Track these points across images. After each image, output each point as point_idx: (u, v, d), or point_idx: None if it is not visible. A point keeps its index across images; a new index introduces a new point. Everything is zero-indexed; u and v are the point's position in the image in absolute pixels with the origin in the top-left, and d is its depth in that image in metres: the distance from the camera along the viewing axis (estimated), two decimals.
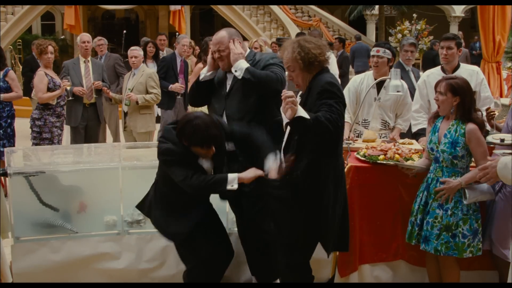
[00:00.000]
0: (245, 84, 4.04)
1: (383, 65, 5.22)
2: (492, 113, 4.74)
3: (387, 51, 5.22)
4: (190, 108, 6.47)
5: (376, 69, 5.24)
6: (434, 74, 5.15)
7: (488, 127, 4.56)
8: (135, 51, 7.20)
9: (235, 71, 4.04)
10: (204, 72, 4.27)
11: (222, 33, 4.17)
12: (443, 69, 5.10)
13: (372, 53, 5.27)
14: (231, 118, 4.13)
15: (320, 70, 3.55)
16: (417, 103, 5.23)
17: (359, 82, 5.35)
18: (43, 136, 6.72)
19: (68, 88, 6.93)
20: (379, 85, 5.24)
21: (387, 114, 5.33)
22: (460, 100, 3.94)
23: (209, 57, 4.25)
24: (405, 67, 6.35)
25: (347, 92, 5.30)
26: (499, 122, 4.80)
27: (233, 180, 3.68)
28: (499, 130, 4.52)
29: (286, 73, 3.72)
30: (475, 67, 5.26)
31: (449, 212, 3.94)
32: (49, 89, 6.68)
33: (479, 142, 3.90)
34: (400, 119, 5.38)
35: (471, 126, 3.91)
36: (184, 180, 3.68)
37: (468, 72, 5.01)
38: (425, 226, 4.01)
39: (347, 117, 5.20)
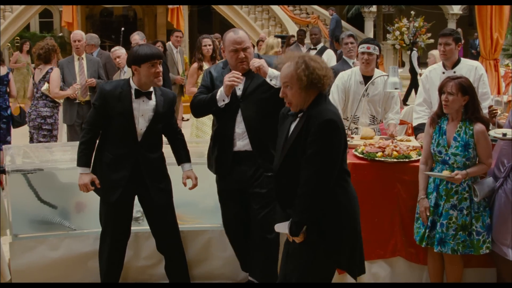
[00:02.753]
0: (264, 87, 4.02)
1: (373, 61, 5.32)
2: (494, 111, 4.77)
3: (376, 47, 5.30)
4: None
5: (366, 66, 5.30)
6: (436, 69, 5.18)
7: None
8: (117, 51, 7.30)
9: (270, 80, 3.95)
10: (223, 98, 4.03)
11: (242, 32, 4.11)
12: (444, 65, 5.12)
13: (362, 49, 5.28)
14: (250, 120, 4.07)
15: (318, 95, 3.23)
16: (420, 97, 5.26)
17: (347, 79, 5.41)
18: (53, 133, 6.76)
19: (78, 90, 7.03)
20: (367, 81, 5.32)
21: (375, 109, 5.42)
22: (469, 99, 3.96)
23: (226, 81, 3.98)
24: (348, 61, 6.43)
25: (336, 89, 5.38)
26: (500, 119, 4.82)
27: None
28: (500, 127, 4.53)
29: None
30: (475, 62, 5.26)
31: (465, 212, 3.98)
32: None
33: (487, 143, 3.96)
34: (390, 114, 5.43)
35: (479, 127, 3.94)
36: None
37: (467, 67, 5.03)
38: (439, 228, 4.02)
39: None
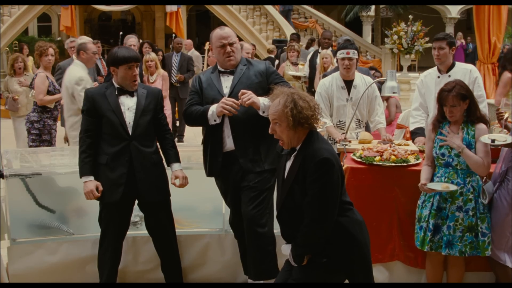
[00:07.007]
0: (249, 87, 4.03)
1: (353, 66, 5.33)
2: (501, 114, 4.79)
3: (355, 51, 5.31)
4: None
5: (347, 71, 5.31)
6: (431, 74, 5.20)
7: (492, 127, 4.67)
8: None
9: (263, 112, 3.93)
10: (214, 119, 4.06)
11: (228, 29, 4.20)
12: (438, 69, 5.14)
13: (341, 55, 5.28)
14: (237, 120, 4.05)
15: (309, 133, 3.23)
16: (416, 101, 5.28)
17: (329, 85, 5.41)
18: (43, 138, 6.74)
19: None
20: (348, 85, 5.34)
21: (360, 113, 5.42)
22: (470, 102, 4.00)
23: (218, 106, 4.01)
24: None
25: (320, 98, 5.37)
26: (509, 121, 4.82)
27: None
28: (508, 129, 4.54)
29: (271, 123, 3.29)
30: (469, 66, 5.29)
31: (471, 213, 3.99)
32: (48, 92, 6.69)
33: (486, 143, 3.97)
34: (376, 117, 5.43)
35: (481, 126, 4.01)
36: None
37: (462, 71, 5.05)
38: (446, 231, 4.02)
39: (328, 121, 5.30)
